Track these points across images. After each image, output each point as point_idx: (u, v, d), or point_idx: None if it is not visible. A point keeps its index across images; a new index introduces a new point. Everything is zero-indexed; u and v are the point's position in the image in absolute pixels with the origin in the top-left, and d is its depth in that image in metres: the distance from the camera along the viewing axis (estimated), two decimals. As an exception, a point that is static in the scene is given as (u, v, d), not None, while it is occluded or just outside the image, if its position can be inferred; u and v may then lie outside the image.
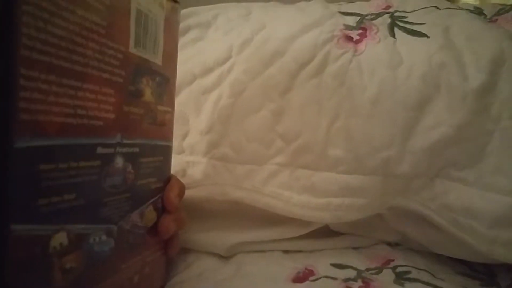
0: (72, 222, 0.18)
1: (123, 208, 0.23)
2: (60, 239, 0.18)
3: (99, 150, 0.20)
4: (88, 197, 0.19)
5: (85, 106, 0.18)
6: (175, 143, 0.36)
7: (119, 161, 0.22)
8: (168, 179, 0.29)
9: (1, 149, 0.15)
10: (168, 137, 0.28)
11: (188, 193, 0.32)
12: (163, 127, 0.27)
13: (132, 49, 0.22)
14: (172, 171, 0.30)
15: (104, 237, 0.21)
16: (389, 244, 0.37)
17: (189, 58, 0.38)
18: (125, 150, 0.22)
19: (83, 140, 0.19)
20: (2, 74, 0.14)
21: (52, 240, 0.17)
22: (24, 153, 0.15)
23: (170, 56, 0.27)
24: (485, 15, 0.38)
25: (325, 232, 0.37)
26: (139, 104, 0.23)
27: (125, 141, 0.22)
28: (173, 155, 0.31)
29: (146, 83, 0.24)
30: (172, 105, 0.28)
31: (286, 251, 0.36)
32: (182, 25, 0.42)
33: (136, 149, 0.23)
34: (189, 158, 0.35)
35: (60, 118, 0.17)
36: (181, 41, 0.41)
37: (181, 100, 0.37)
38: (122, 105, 0.21)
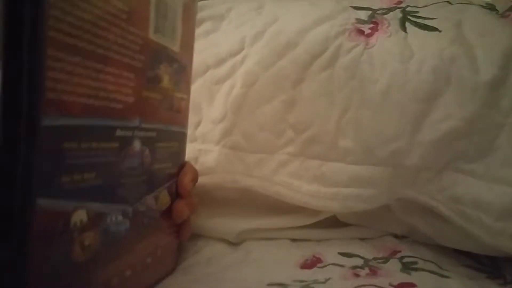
0: (92, 200, 0.19)
1: (139, 190, 0.23)
2: (81, 215, 0.18)
3: (119, 132, 0.21)
4: (107, 177, 0.20)
5: (106, 89, 0.19)
6: (189, 132, 0.36)
7: (136, 145, 0.22)
8: (182, 165, 0.29)
9: (29, 127, 0.15)
10: (184, 123, 0.29)
11: (199, 180, 0.33)
12: (179, 114, 0.28)
13: (151, 35, 0.23)
14: (187, 160, 0.31)
15: (120, 218, 0.22)
16: (396, 236, 0.38)
17: (203, 49, 0.39)
18: (142, 134, 0.23)
19: (103, 121, 0.19)
20: (31, 54, 0.15)
21: (74, 216, 0.18)
22: (50, 131, 0.16)
23: (187, 44, 0.28)
24: (497, 11, 0.38)
25: (333, 222, 0.38)
26: (157, 90, 0.24)
27: (143, 125, 0.23)
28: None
29: (164, 70, 0.25)
30: (188, 92, 0.29)
31: (294, 240, 0.37)
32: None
33: (153, 134, 0.24)
34: (202, 146, 0.36)
35: (83, 99, 0.18)
36: (195, 32, 0.42)
37: (194, 89, 0.37)
38: (141, 90, 0.22)
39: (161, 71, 0.24)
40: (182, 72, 0.27)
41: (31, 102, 0.15)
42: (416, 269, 0.31)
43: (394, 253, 0.34)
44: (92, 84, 0.18)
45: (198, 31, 0.42)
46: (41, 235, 0.16)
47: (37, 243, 0.16)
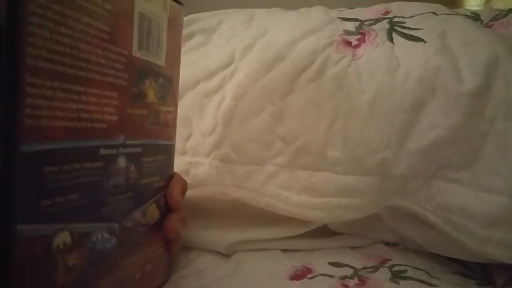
0: (75, 221, 0.19)
1: (125, 207, 0.24)
2: (63, 237, 0.18)
3: (102, 151, 0.21)
4: (91, 197, 0.20)
5: (89, 110, 0.19)
6: (179, 145, 0.37)
7: (121, 162, 0.23)
8: (170, 177, 0.30)
9: (7, 154, 0.15)
10: (171, 136, 0.29)
11: (190, 192, 0.33)
12: (166, 127, 0.28)
13: (135, 53, 0.23)
14: (176, 172, 0.31)
15: (106, 235, 0.22)
16: (387, 243, 0.38)
17: (193, 62, 0.40)
18: (128, 150, 0.23)
19: (86, 142, 0.19)
20: (9, 82, 0.15)
21: (55, 238, 0.18)
22: (29, 157, 0.16)
23: (173, 57, 0.28)
24: (482, 20, 0.38)
25: (324, 231, 0.38)
26: (142, 106, 0.24)
27: (128, 142, 0.23)
28: (176, 156, 0.32)
29: (149, 85, 0.25)
30: (175, 104, 0.29)
31: (284, 250, 0.37)
32: (186, 31, 0.44)
33: (139, 149, 0.24)
34: (192, 159, 0.36)
35: (64, 123, 0.18)
36: (186, 46, 0.43)
37: (184, 103, 0.38)
38: (125, 107, 0.23)
39: (146, 86, 0.25)
40: (168, 85, 0.28)
41: (9, 130, 0.15)
42: (405, 278, 0.31)
43: (384, 261, 0.35)
44: (74, 106, 0.18)
45: (189, 44, 0.43)
46: (22, 262, 0.16)
47: (18, 271, 0.16)
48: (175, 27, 0.28)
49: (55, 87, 0.17)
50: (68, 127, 0.18)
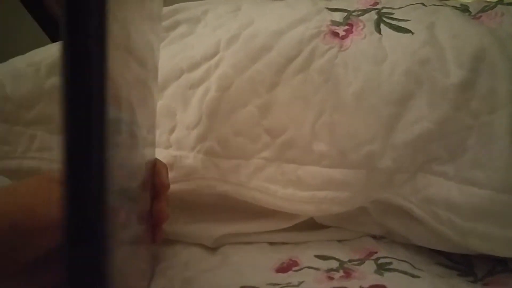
0: None
1: None
2: None
3: None
4: None
5: None
6: (163, 138, 0.36)
7: None
8: (153, 164, 0.29)
9: None
10: None
11: (175, 186, 0.33)
12: None
13: None
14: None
15: None
16: (374, 237, 0.38)
17: (177, 53, 0.39)
18: None
19: None
20: None
21: None
22: None
23: None
24: (470, 12, 0.38)
25: (311, 224, 0.38)
26: None
27: None
28: (160, 150, 0.31)
29: None
30: None
31: (271, 243, 0.37)
32: (171, 21, 0.43)
33: None
34: (176, 153, 0.36)
35: None
36: (170, 36, 0.42)
37: (168, 94, 0.37)
38: None
39: None
40: None
41: None
42: (390, 270, 0.31)
43: (371, 254, 0.35)
44: None
45: (174, 34, 0.42)
46: None
47: None
48: None
49: None
50: None
